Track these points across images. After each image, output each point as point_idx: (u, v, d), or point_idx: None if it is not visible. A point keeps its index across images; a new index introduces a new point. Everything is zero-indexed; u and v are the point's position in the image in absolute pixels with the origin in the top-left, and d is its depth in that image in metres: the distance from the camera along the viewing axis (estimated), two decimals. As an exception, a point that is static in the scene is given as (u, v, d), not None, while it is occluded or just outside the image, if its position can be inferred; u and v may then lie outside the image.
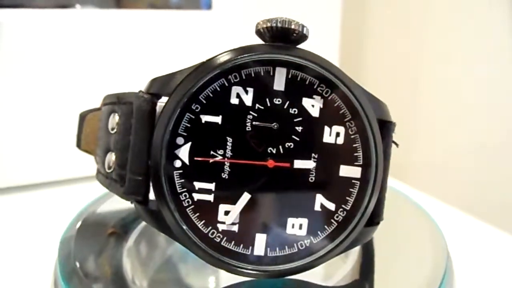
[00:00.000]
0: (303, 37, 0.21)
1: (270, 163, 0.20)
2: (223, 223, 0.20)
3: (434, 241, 0.26)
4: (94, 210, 0.28)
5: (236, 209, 0.20)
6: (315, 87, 0.21)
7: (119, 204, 0.23)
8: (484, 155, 0.47)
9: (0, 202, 0.36)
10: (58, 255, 0.24)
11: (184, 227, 0.20)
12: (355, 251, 0.25)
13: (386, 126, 0.22)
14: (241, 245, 0.21)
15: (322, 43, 0.47)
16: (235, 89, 0.20)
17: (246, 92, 0.20)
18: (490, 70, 0.46)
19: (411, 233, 0.27)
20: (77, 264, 0.22)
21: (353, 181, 0.21)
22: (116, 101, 0.22)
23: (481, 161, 0.47)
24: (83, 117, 0.27)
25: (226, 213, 0.20)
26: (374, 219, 0.22)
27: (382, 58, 0.57)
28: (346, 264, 0.24)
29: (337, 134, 0.21)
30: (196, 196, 0.20)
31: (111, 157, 0.22)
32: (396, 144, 0.23)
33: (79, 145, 0.27)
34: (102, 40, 0.37)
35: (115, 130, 0.22)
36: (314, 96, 0.21)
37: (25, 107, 0.37)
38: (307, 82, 0.20)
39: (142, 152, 0.20)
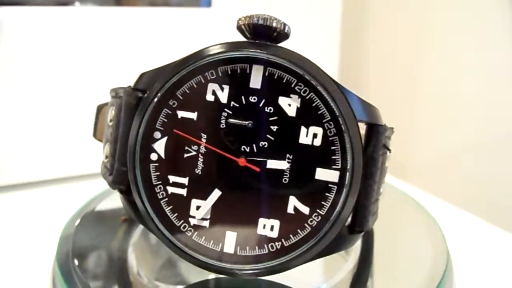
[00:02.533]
0: (284, 36, 0.20)
1: (241, 161, 0.20)
2: (194, 217, 0.21)
3: (433, 239, 0.25)
4: (93, 208, 0.28)
5: (206, 205, 0.21)
6: (292, 85, 0.20)
7: (118, 202, 0.23)
8: (484, 154, 0.46)
9: (-1, 200, 0.37)
10: (56, 253, 0.24)
11: (155, 219, 0.20)
12: (356, 249, 0.25)
13: (374, 130, 0.21)
14: (212, 241, 0.21)
15: (322, 43, 0.46)
16: (211, 86, 0.20)
17: (222, 89, 0.20)
18: (489, 69, 0.45)
19: (410, 231, 0.27)
20: (76, 262, 0.23)
21: (329, 185, 0.20)
22: (114, 95, 0.24)
23: (481, 160, 0.46)
24: (99, 109, 0.29)
25: (198, 208, 0.21)
26: (356, 227, 0.21)
27: (382, 57, 0.56)
28: (347, 262, 0.24)
29: (314, 135, 0.20)
30: (170, 189, 0.21)
31: (107, 147, 0.24)
32: (388, 150, 0.22)
33: (94, 135, 0.30)
34: (102, 37, 0.36)
35: (111, 122, 0.24)
36: (291, 95, 0.20)
37: (24, 104, 0.36)
38: (284, 81, 0.20)
39: (125, 144, 0.21)
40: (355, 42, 0.56)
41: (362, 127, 0.21)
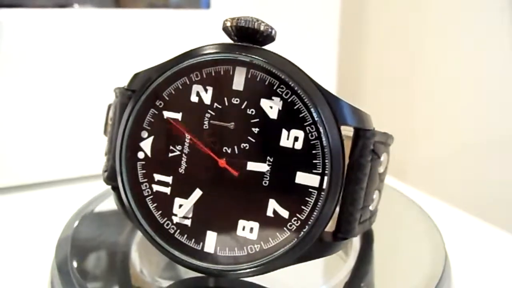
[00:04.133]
0: (270, 38, 0.20)
1: (222, 162, 0.20)
2: (177, 215, 0.21)
3: (432, 240, 0.25)
4: (92, 209, 0.28)
5: (188, 204, 0.21)
6: (274, 88, 0.20)
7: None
8: (482, 154, 0.46)
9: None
10: (55, 255, 0.24)
11: (138, 215, 0.21)
12: (354, 250, 0.25)
13: (360, 134, 0.20)
14: (193, 240, 0.21)
15: (321, 42, 0.44)
16: (196, 88, 0.21)
17: (206, 90, 0.21)
18: (489, 69, 0.45)
19: (409, 232, 0.27)
20: (74, 264, 0.23)
21: (310, 189, 0.20)
22: (115, 95, 0.25)
23: (480, 160, 0.46)
24: (109, 107, 0.30)
25: (180, 206, 0.21)
26: (339, 234, 0.21)
27: (381, 56, 0.55)
28: (346, 264, 0.24)
29: (296, 139, 0.20)
30: (155, 187, 0.21)
31: (106, 145, 0.25)
32: (377, 155, 0.21)
33: (104, 132, 0.31)
34: (101, 39, 0.36)
35: (111, 121, 0.25)
36: (273, 98, 0.20)
37: (23, 106, 0.36)
38: (266, 83, 0.20)
39: (116, 142, 0.22)
40: (354, 40, 0.56)
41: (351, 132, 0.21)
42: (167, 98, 0.21)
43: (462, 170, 0.48)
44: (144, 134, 0.21)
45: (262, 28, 0.20)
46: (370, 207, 0.23)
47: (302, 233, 0.20)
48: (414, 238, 0.26)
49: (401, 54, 0.53)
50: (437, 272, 0.23)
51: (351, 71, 0.55)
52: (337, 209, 0.21)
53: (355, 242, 0.26)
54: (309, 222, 0.20)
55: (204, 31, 0.35)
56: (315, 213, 0.19)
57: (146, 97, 0.21)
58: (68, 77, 0.36)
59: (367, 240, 0.26)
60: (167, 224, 0.21)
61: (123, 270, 0.24)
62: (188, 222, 0.21)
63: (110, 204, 0.23)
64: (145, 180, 0.21)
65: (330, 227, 0.21)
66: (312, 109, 0.19)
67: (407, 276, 0.23)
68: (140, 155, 0.21)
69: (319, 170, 0.20)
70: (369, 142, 0.21)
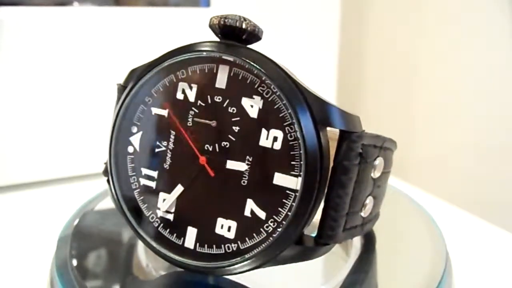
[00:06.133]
0: (255, 37, 0.20)
1: (202, 160, 0.21)
2: (160, 209, 0.22)
3: (432, 239, 0.25)
4: (92, 208, 0.28)
5: (170, 198, 0.21)
6: (255, 86, 0.20)
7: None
8: (483, 153, 0.46)
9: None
10: (55, 253, 0.24)
11: (124, 207, 0.22)
12: (356, 249, 0.25)
13: (345, 137, 0.19)
14: (175, 235, 0.21)
15: (321, 41, 0.42)
16: (181, 85, 0.21)
17: (191, 88, 0.21)
18: (489, 68, 0.45)
19: (409, 231, 0.27)
20: (74, 263, 0.23)
21: (287, 191, 0.19)
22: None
23: (480, 159, 0.47)
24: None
25: (164, 200, 0.22)
26: (321, 239, 0.20)
27: (381, 56, 0.55)
28: (347, 263, 0.24)
29: (275, 139, 0.19)
30: (142, 181, 0.22)
31: None
32: (366, 159, 0.20)
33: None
34: (100, 37, 0.36)
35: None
36: (254, 96, 0.20)
37: (22, 104, 0.36)
38: (248, 82, 0.20)
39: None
40: (355, 39, 0.56)
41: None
42: (155, 95, 0.21)
43: (463, 169, 0.48)
44: (134, 129, 0.22)
45: (246, 26, 0.20)
46: (362, 214, 0.22)
47: (275, 235, 0.19)
48: (415, 237, 0.26)
49: (401, 53, 0.53)
50: (438, 271, 0.22)
51: (352, 70, 0.55)
52: (319, 212, 0.20)
53: (356, 242, 0.25)
54: (286, 226, 0.19)
55: (203, 30, 0.35)
56: (290, 216, 0.19)
57: (136, 93, 0.22)
58: (68, 75, 0.36)
59: (368, 239, 0.26)
60: (152, 218, 0.22)
61: (123, 268, 0.24)
62: (171, 216, 0.21)
63: (110, 202, 0.23)
64: (134, 173, 0.22)
65: (313, 231, 0.20)
66: (290, 109, 0.19)
67: (408, 275, 0.23)
68: (130, 149, 0.22)
69: (297, 172, 0.19)
70: (355, 145, 0.20)
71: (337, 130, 0.20)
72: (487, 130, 0.46)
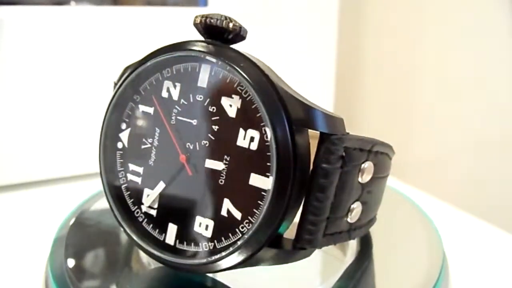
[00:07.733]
0: (239, 37, 0.20)
1: (182, 158, 0.21)
2: (144, 204, 0.22)
3: (430, 239, 0.25)
4: (88, 208, 0.28)
5: (153, 194, 0.22)
6: (234, 86, 0.20)
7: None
8: (481, 153, 0.46)
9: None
10: (50, 254, 0.24)
11: (110, 201, 0.22)
12: (353, 249, 0.25)
13: (324, 139, 0.19)
14: (157, 230, 0.22)
15: (320, 41, 0.40)
16: (166, 84, 0.21)
17: (175, 86, 0.21)
18: (488, 68, 0.45)
19: (407, 231, 0.27)
20: (69, 263, 0.23)
21: (262, 192, 0.19)
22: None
23: (478, 159, 0.47)
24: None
25: (147, 196, 0.22)
26: (297, 243, 0.20)
27: (380, 55, 0.55)
28: (343, 264, 0.24)
29: (251, 139, 0.19)
30: (129, 177, 0.23)
31: None
32: (347, 162, 0.20)
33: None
34: (98, 37, 0.36)
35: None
36: (233, 96, 0.20)
37: (20, 104, 0.35)
38: (227, 81, 0.20)
39: None
40: (353, 39, 0.55)
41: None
42: (142, 93, 0.22)
43: (461, 169, 0.48)
44: (123, 125, 0.23)
45: (231, 26, 0.20)
46: (348, 219, 0.21)
47: (252, 238, 0.19)
48: (412, 237, 0.26)
49: (400, 53, 0.53)
50: (435, 271, 0.22)
51: (350, 70, 0.54)
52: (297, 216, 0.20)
53: (353, 242, 0.25)
54: (262, 228, 0.19)
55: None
56: (263, 218, 0.19)
57: (125, 90, 0.22)
58: (66, 75, 0.36)
59: (365, 240, 0.25)
60: (137, 212, 0.22)
61: (118, 269, 0.24)
62: (154, 212, 0.22)
63: (106, 203, 0.23)
64: (122, 169, 0.23)
65: (292, 234, 0.20)
66: (264, 110, 0.19)
67: (405, 276, 0.23)
68: (119, 145, 0.23)
69: (272, 173, 0.19)
70: (335, 147, 0.19)
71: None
72: (486, 131, 0.46)
